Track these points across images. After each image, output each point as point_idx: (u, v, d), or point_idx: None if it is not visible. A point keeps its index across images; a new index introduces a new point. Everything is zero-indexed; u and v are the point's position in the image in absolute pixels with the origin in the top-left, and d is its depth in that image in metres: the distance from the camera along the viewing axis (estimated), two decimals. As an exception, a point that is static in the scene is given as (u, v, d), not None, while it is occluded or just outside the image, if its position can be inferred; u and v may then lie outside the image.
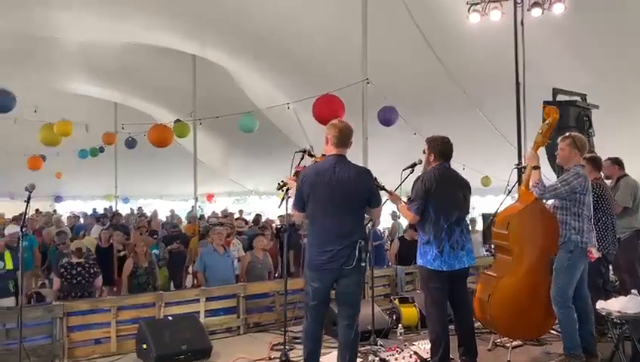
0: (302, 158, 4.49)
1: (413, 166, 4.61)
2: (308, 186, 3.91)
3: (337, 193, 3.84)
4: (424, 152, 4.47)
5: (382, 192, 4.31)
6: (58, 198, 22.34)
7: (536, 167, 4.56)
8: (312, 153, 4.56)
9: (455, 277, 4.33)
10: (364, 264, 3.88)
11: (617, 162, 6.04)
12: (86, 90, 16.04)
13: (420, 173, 4.49)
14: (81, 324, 5.19)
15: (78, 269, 6.60)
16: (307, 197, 3.91)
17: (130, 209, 18.51)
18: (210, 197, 20.60)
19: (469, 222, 4.90)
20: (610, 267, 5.61)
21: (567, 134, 4.76)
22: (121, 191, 20.73)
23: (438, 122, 11.28)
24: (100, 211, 18.87)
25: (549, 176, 5.40)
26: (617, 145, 7.63)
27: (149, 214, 16.10)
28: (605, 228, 5.14)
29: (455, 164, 4.64)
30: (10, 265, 6.93)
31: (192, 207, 15.29)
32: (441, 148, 4.41)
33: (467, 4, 8.04)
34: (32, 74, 13.42)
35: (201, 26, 11.24)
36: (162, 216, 16.01)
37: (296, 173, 4.29)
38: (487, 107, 11.12)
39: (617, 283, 6.08)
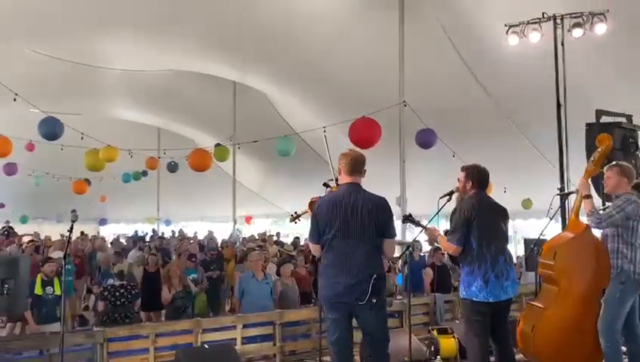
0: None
1: (450, 194, 4.50)
2: (322, 216, 3.79)
3: (351, 223, 3.68)
4: (459, 180, 4.38)
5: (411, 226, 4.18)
6: (102, 221, 22.88)
7: (588, 196, 4.41)
8: (329, 184, 4.49)
9: (499, 308, 4.20)
10: (375, 300, 3.63)
11: (666, 188, 5.77)
12: (130, 116, 16.56)
13: (456, 203, 4.41)
14: (121, 350, 5.24)
15: (121, 291, 6.85)
16: (322, 227, 3.77)
17: (172, 231, 18.81)
18: (248, 219, 20.75)
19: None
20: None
21: (614, 163, 4.61)
22: (163, 214, 21.22)
23: (478, 145, 11.16)
24: (142, 233, 19.17)
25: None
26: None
27: (189, 235, 16.31)
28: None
29: (496, 186, 4.53)
30: (58, 291, 7.11)
31: (234, 229, 15.47)
32: (479, 176, 4.32)
33: (505, 25, 7.92)
34: (79, 101, 13.94)
35: (243, 54, 11.50)
36: (201, 237, 16.17)
37: (310, 204, 4.20)
38: (528, 129, 10.92)
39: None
